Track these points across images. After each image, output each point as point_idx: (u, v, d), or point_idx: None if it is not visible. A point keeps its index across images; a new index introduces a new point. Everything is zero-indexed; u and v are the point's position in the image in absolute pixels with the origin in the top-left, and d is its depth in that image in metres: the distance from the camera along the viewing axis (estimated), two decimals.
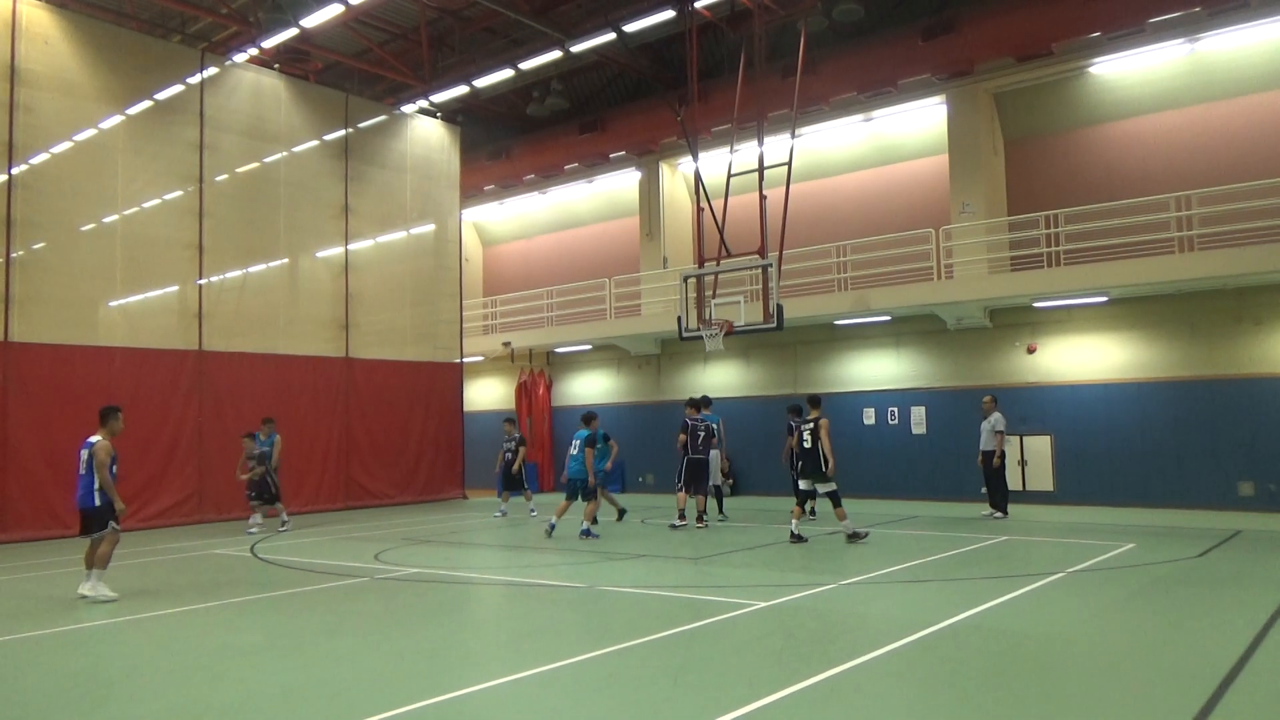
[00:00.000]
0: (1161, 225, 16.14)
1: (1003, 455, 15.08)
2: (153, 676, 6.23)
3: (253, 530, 15.28)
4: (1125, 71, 17.70)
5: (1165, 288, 15.94)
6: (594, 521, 13.68)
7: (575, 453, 13.59)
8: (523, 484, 17.33)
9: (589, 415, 14.38)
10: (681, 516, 14.38)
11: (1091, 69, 17.74)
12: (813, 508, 16.49)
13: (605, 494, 15.36)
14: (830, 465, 12.06)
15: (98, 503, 9.15)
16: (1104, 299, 16.67)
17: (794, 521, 12.42)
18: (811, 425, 12.35)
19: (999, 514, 14.93)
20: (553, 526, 13.66)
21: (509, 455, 17.30)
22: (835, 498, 12.22)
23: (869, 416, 19.41)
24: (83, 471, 9.28)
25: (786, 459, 15.99)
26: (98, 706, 5.59)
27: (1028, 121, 19.14)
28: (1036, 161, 19.11)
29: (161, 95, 17.54)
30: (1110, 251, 16.23)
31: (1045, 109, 18.87)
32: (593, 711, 5.25)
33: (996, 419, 15.03)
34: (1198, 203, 15.88)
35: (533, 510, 17.19)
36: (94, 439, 9.35)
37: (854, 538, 12.14)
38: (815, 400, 13.10)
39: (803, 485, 12.65)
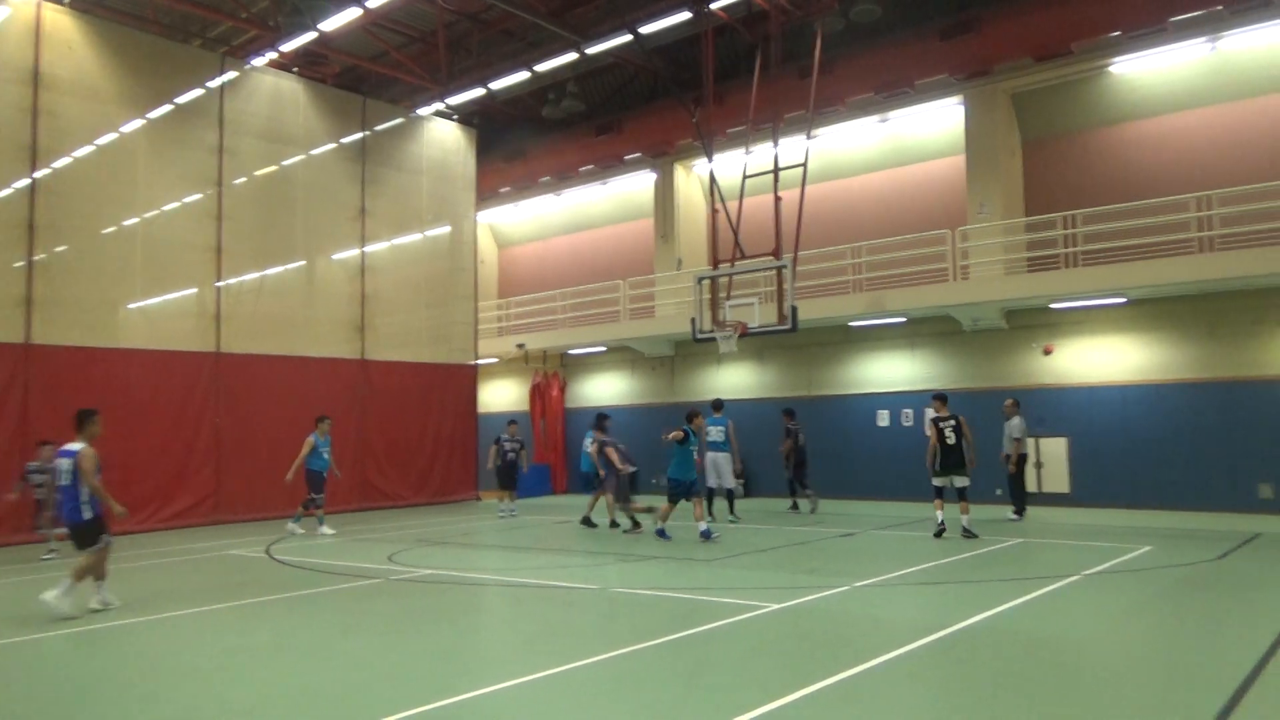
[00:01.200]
0: (1181, 226, 16.00)
1: (1020, 458, 15.04)
2: (169, 677, 6.29)
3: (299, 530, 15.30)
4: (1145, 71, 17.56)
5: (1185, 289, 15.80)
6: (666, 518, 13.28)
7: (679, 457, 13.06)
8: (514, 484, 17.97)
9: (691, 413, 13.82)
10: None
11: (1111, 68, 17.61)
12: (812, 502, 16.71)
13: (607, 496, 15.25)
14: (973, 460, 12.91)
15: (87, 515, 8.49)
16: (1122, 300, 16.54)
17: (939, 513, 12.86)
18: (954, 423, 12.92)
19: (1013, 516, 14.89)
20: (661, 532, 13.13)
21: (512, 455, 17.72)
22: (966, 492, 12.83)
23: (883, 418, 19.33)
24: (65, 483, 8.54)
25: (787, 457, 16.95)
26: (114, 707, 5.65)
27: (1046, 122, 19.02)
28: (1055, 162, 18.99)
29: (182, 99, 17.71)
30: (1129, 252, 16.10)
31: (1064, 109, 18.75)
32: (606, 713, 5.26)
33: (1013, 424, 15.01)
34: (1218, 203, 15.72)
35: (513, 511, 17.69)
36: (74, 446, 8.61)
37: (969, 534, 12.53)
38: (943, 397, 13.43)
39: (938, 482, 12.93)
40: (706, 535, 12.69)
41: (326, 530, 15.25)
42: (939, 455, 12.92)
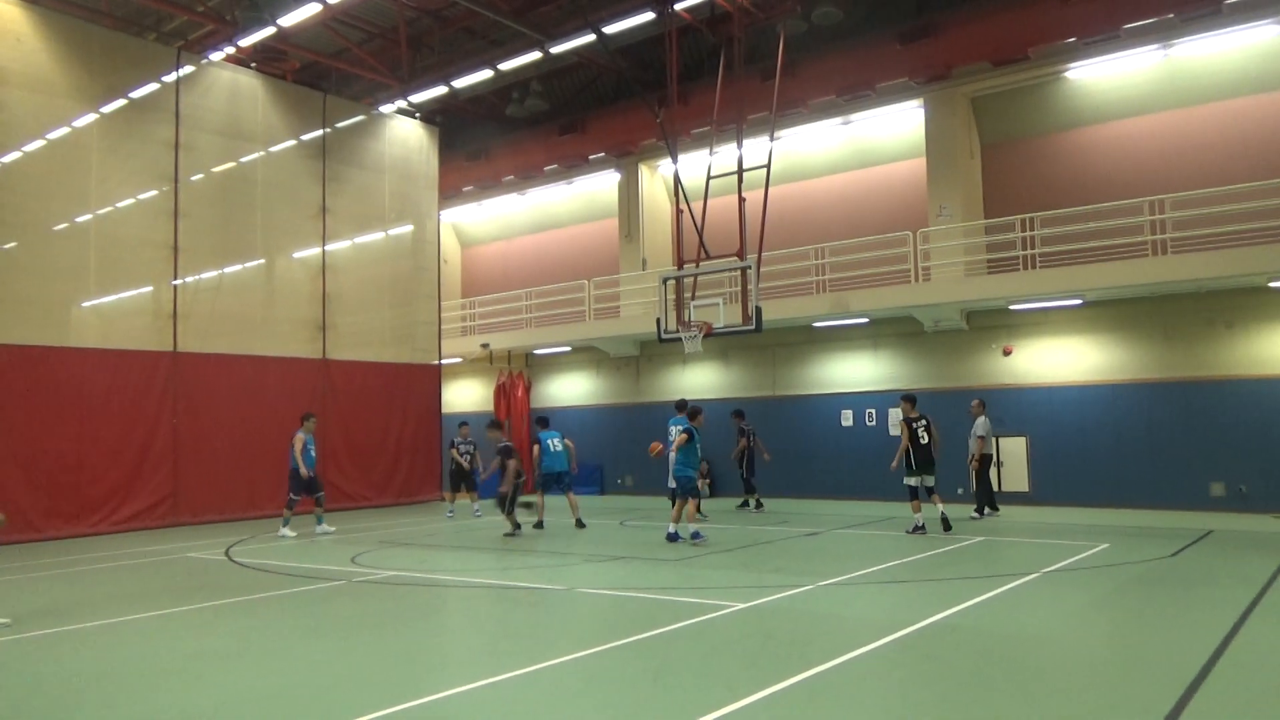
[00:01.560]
0: (1136, 229, 16.32)
1: (984, 458, 15.27)
2: (127, 681, 6.16)
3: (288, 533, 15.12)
4: (1100, 77, 17.89)
5: (1139, 291, 16.13)
6: (678, 521, 12.98)
7: (675, 453, 12.89)
8: (475, 485, 17.84)
9: (693, 410, 13.37)
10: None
11: (1067, 74, 17.92)
12: (758, 500, 16.89)
13: (542, 497, 15.24)
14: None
15: None
16: (1079, 302, 16.85)
17: (918, 514, 13.14)
18: (924, 423, 13.28)
19: (974, 515, 15.11)
20: (673, 535, 12.84)
21: (466, 457, 17.67)
22: (935, 489, 13.41)
23: (847, 418, 19.50)
24: None
25: (738, 460, 17.37)
26: (70, 713, 5.51)
27: (1004, 125, 19.31)
28: (1013, 165, 19.28)
29: (136, 94, 17.35)
30: (1085, 255, 16.39)
31: (1022, 113, 19.05)
32: (572, 714, 5.24)
33: (978, 424, 15.30)
34: (1171, 207, 16.07)
35: (477, 512, 17.69)
36: None
37: (949, 525, 13.08)
38: (913, 399, 13.73)
39: (914, 481, 13.25)
40: (697, 536, 12.55)
41: (327, 528, 15.21)
42: (913, 455, 13.17)
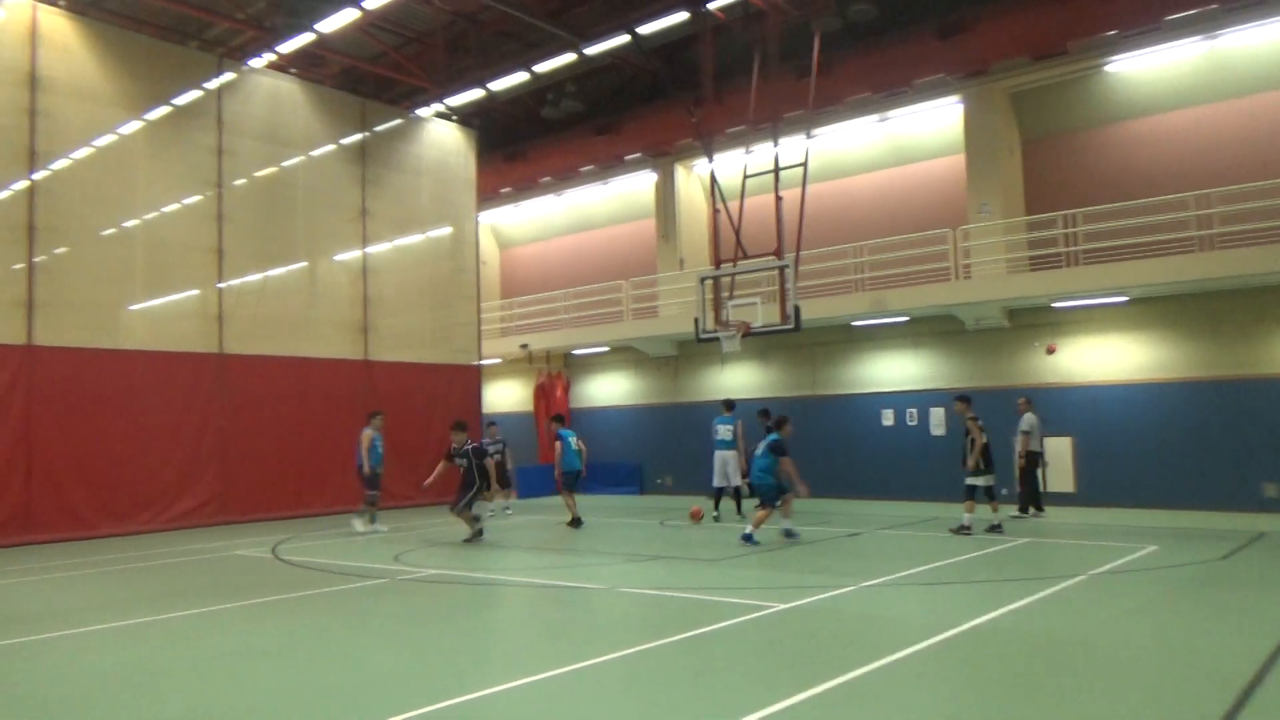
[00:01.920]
0: (1181, 224, 15.99)
1: (1027, 456, 15.09)
2: (176, 676, 6.28)
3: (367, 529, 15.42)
4: (1142, 69, 17.56)
5: (1186, 287, 15.81)
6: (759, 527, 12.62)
7: (759, 454, 12.61)
8: (508, 483, 18.07)
9: (780, 420, 13.24)
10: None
11: (1108, 67, 17.60)
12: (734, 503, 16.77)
13: (572, 496, 15.58)
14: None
15: None
16: (1124, 299, 16.55)
17: (969, 515, 13.12)
18: (980, 423, 13.25)
19: (1017, 514, 14.96)
20: (749, 536, 12.41)
21: (499, 456, 17.63)
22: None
23: (888, 418, 19.33)
24: None
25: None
26: (122, 706, 5.64)
27: (1045, 120, 19.02)
28: (1054, 161, 18.99)
29: (180, 101, 17.70)
30: (1130, 251, 16.10)
31: (1062, 108, 18.75)
32: (614, 712, 5.26)
33: (1023, 420, 15.17)
34: (1217, 201, 15.73)
35: (506, 510, 17.94)
36: None
37: (963, 530, 13.03)
38: (968, 399, 13.71)
39: (980, 481, 13.13)
40: (748, 539, 12.32)
41: (380, 527, 15.49)
42: (988, 455, 13.15)
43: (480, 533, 13.96)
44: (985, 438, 13.11)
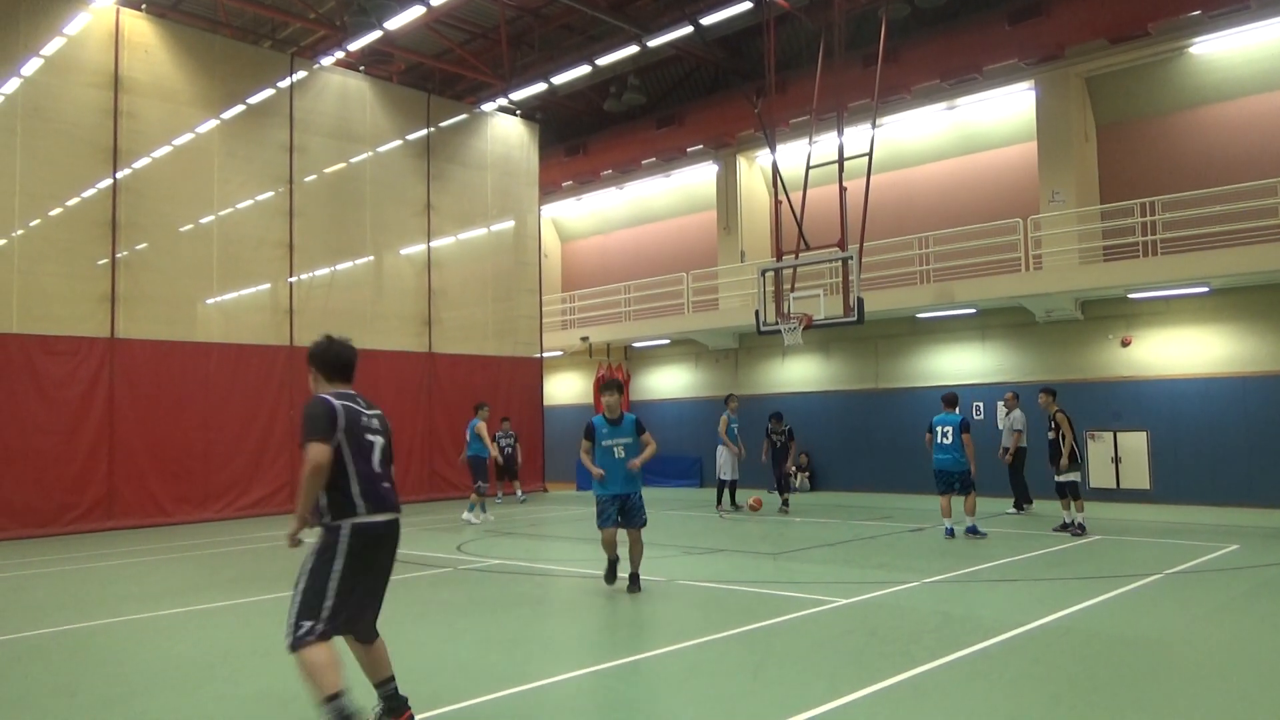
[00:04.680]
0: (1268, 211, 15.34)
1: (1019, 451, 15.01)
2: (248, 660, 6.48)
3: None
4: (1227, 50, 16.86)
5: (1272, 277, 15.15)
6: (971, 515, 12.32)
7: (948, 442, 12.17)
8: (515, 474, 18.76)
9: (952, 396, 12.80)
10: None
11: (1191, 49, 16.96)
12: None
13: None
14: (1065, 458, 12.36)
15: None
16: (1205, 289, 15.94)
17: (1068, 514, 12.44)
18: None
19: (1011, 510, 14.94)
20: (950, 531, 12.13)
21: (509, 449, 18.61)
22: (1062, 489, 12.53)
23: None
24: None
25: (767, 457, 16.68)
26: (199, 687, 5.84)
27: (1122, 106, 18.41)
28: (1131, 147, 18.37)
29: (254, 99, 18.17)
30: (1211, 240, 15.51)
31: (1140, 92, 18.12)
32: (672, 704, 5.26)
33: (1014, 417, 15.05)
34: None
35: (518, 499, 18.29)
36: None
37: (1074, 529, 12.24)
38: (1053, 391, 13.07)
39: (1074, 476, 12.40)
40: (974, 531, 12.03)
41: (489, 517, 15.87)
42: (1078, 450, 12.51)
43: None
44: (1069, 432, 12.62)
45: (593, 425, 8.67)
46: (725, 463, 16.00)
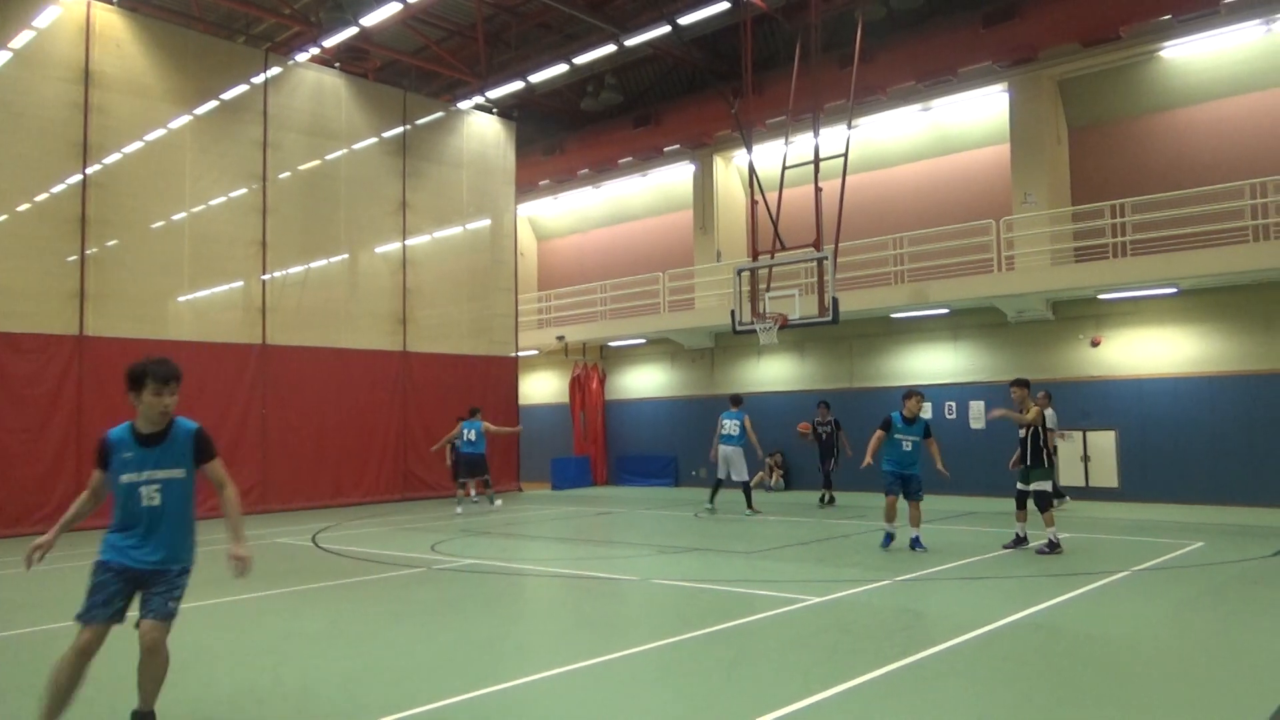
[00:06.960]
0: (1235, 214, 15.61)
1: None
2: (222, 660, 6.43)
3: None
4: (1198, 55, 17.13)
5: (1239, 278, 15.41)
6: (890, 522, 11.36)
7: (909, 449, 11.27)
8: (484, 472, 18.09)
9: (908, 393, 11.61)
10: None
11: (1162, 53, 17.21)
12: (829, 496, 16.58)
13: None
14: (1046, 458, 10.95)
15: None
16: (1173, 290, 16.19)
17: (1052, 529, 10.61)
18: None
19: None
20: (890, 537, 11.25)
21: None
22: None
23: (925, 411, 19.07)
24: None
25: (815, 446, 17.10)
26: (171, 688, 5.77)
27: (1094, 108, 18.65)
28: (1102, 149, 18.61)
29: (227, 95, 17.98)
30: (1180, 241, 15.75)
31: (1112, 95, 18.36)
32: (646, 703, 5.28)
33: (1048, 415, 14.83)
34: (1274, 190, 15.31)
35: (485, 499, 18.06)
36: None
37: (1054, 548, 10.51)
38: (1026, 383, 11.27)
39: (1027, 486, 10.96)
40: (917, 543, 10.96)
41: (498, 502, 17.74)
42: (1049, 452, 11.08)
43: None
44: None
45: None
46: (738, 463, 15.52)
